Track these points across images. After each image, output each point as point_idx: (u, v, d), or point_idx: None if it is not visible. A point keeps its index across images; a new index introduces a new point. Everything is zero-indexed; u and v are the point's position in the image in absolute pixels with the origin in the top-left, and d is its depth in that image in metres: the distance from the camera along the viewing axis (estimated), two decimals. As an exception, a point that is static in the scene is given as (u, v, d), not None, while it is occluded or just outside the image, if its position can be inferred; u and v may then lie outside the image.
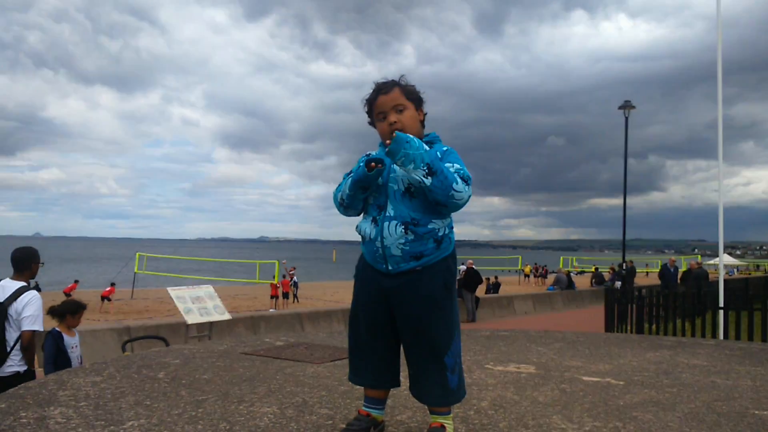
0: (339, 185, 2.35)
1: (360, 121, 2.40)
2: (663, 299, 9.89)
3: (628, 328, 10.26)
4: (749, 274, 50.69)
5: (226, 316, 9.63)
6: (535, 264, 47.96)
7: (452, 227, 2.29)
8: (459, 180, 2.11)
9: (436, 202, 2.14)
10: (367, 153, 2.37)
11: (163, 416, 2.58)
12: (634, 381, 3.50)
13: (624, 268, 23.34)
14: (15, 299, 4.22)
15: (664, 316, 9.75)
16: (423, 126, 2.35)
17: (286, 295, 24.84)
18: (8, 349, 4.18)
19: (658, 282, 21.62)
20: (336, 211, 2.37)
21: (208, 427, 2.44)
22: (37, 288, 4.45)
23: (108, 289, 22.79)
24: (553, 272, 37.67)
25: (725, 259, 10.37)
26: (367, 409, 2.34)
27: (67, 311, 4.90)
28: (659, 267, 28.96)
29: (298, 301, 25.43)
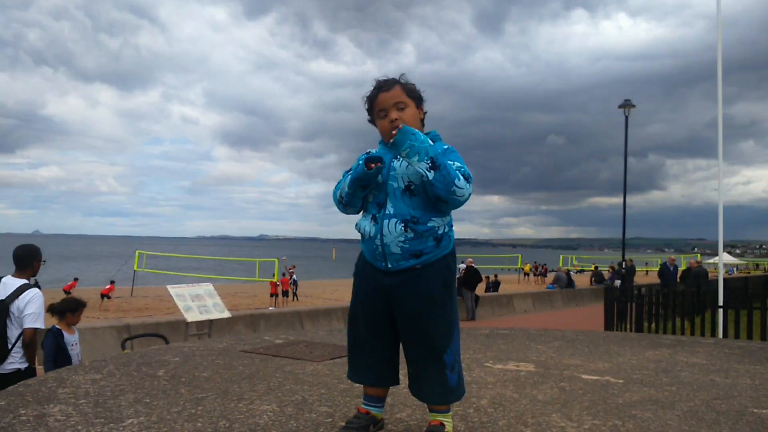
0: (338, 183, 2.35)
1: (360, 119, 2.40)
2: (662, 298, 9.90)
3: (628, 326, 10.27)
4: (749, 273, 50.71)
5: (226, 314, 9.64)
6: (535, 262, 47.97)
7: (452, 225, 2.29)
8: (461, 176, 2.12)
9: (437, 197, 2.14)
10: (367, 151, 2.37)
11: (162, 414, 2.58)
12: (634, 379, 3.50)
13: (624, 266, 23.35)
14: (17, 297, 4.23)
15: (664, 314, 9.76)
16: (423, 125, 2.36)
17: (285, 293, 24.86)
18: (9, 346, 4.19)
19: (658, 281, 21.64)
20: (336, 209, 2.38)
21: (207, 424, 2.44)
22: (37, 285, 4.46)
23: (108, 286, 22.79)
24: (553, 271, 37.69)
25: (725, 257, 10.37)
26: (366, 407, 2.34)
27: (67, 309, 4.91)
28: (659, 266, 28.96)
29: (297, 299, 25.44)
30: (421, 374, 2.23)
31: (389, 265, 2.21)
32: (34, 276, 4.54)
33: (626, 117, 22.30)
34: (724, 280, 8.91)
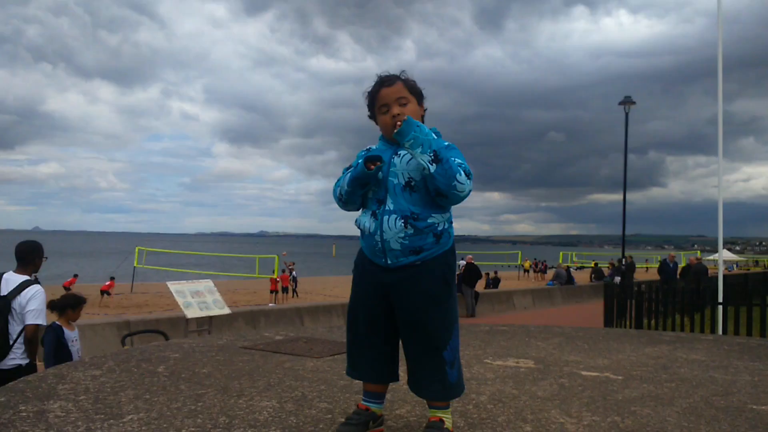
0: (338, 180, 2.35)
1: (360, 115, 2.40)
2: (662, 294, 9.90)
3: (627, 323, 10.27)
4: (748, 269, 50.74)
5: (226, 311, 9.64)
6: (535, 259, 48.02)
7: (452, 222, 2.29)
8: (462, 172, 2.12)
9: (438, 191, 2.14)
10: (367, 147, 2.37)
11: (162, 410, 2.58)
12: (633, 376, 3.50)
13: (623, 263, 23.36)
14: (19, 293, 4.24)
15: (663, 311, 9.76)
16: (423, 122, 2.35)
17: (285, 290, 24.87)
18: (11, 342, 4.19)
19: (658, 277, 21.66)
20: (335, 205, 2.38)
21: (207, 420, 2.44)
22: (38, 282, 4.46)
23: (107, 283, 22.80)
24: (553, 267, 37.70)
25: (724, 254, 10.38)
26: (366, 404, 2.35)
27: (68, 305, 4.91)
28: (658, 262, 28.99)
29: (297, 296, 25.46)
30: (420, 371, 2.23)
31: (389, 262, 2.21)
32: (36, 272, 4.54)
33: (626, 114, 22.28)
34: (724, 276, 8.92)
